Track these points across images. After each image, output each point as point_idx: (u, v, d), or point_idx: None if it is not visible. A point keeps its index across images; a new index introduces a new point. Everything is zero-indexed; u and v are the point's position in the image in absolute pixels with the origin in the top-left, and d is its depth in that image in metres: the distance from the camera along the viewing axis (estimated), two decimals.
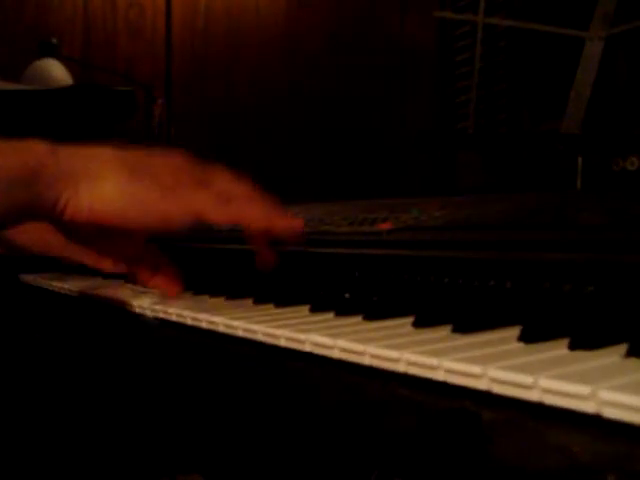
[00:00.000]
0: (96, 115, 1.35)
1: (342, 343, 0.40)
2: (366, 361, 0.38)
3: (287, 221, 0.57)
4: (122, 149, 0.56)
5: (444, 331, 0.42)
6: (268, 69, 1.84)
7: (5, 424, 0.80)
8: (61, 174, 0.52)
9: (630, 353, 0.33)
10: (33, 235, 0.69)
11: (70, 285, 0.80)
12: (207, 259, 0.87)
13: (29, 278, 0.91)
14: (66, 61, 1.54)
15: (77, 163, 0.53)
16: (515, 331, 0.40)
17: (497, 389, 0.31)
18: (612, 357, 0.33)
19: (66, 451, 0.80)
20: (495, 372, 0.31)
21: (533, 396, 0.30)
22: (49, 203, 0.52)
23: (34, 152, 0.52)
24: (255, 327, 0.48)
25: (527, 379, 0.30)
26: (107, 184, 0.53)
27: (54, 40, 1.52)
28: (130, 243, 0.64)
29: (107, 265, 0.66)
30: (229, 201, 0.56)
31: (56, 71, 1.49)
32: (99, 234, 0.59)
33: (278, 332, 0.45)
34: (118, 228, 0.55)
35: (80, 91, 1.38)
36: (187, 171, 0.57)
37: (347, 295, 0.60)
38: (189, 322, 0.56)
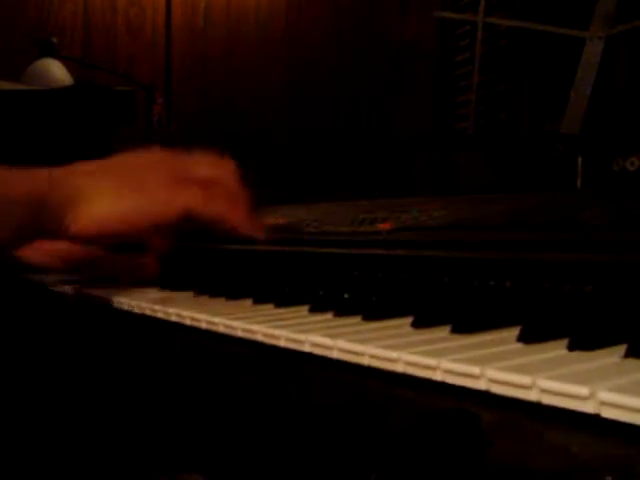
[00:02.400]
0: (96, 115, 1.35)
1: (341, 343, 0.40)
2: (365, 361, 0.38)
3: (255, 226, 0.64)
4: (109, 160, 0.64)
5: (443, 331, 0.42)
6: (268, 69, 1.84)
7: (5, 423, 0.80)
8: (62, 200, 0.59)
9: (629, 354, 0.33)
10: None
11: (69, 285, 0.80)
12: (207, 259, 0.87)
13: (34, 277, 0.90)
14: (66, 61, 1.54)
15: (74, 187, 0.60)
16: (514, 331, 0.39)
17: (496, 389, 0.31)
18: (611, 358, 0.33)
19: (66, 450, 0.80)
20: (494, 372, 0.31)
21: (532, 396, 0.30)
22: (54, 225, 0.60)
23: (37, 181, 0.59)
24: (255, 327, 0.48)
25: (526, 379, 0.30)
26: (102, 201, 0.60)
27: (54, 40, 1.52)
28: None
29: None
30: (214, 198, 0.62)
31: (56, 71, 1.49)
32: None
33: (277, 332, 0.45)
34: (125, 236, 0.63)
35: (80, 91, 1.38)
36: (171, 168, 0.63)
37: (347, 295, 0.60)
38: (188, 322, 0.56)
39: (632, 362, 0.32)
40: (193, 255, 0.87)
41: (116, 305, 0.67)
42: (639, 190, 0.62)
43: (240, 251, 0.73)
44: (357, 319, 0.48)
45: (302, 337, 0.43)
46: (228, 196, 0.63)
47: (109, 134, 1.41)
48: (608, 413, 0.27)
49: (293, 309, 0.55)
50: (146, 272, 0.75)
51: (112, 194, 0.61)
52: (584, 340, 0.35)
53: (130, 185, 0.61)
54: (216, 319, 0.52)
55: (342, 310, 0.50)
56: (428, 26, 1.26)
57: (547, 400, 0.29)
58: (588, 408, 0.28)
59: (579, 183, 0.83)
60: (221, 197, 0.63)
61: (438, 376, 0.34)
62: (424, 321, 0.44)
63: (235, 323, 0.50)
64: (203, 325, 0.54)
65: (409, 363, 0.36)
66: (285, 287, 0.67)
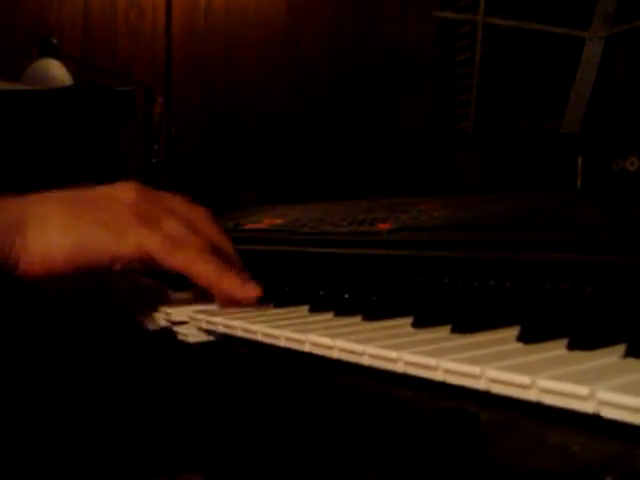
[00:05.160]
0: (96, 115, 1.35)
1: (341, 343, 0.40)
2: (365, 361, 0.38)
3: (234, 282, 0.54)
4: (69, 190, 0.54)
5: (443, 331, 0.42)
6: (268, 69, 1.84)
7: (6, 423, 0.80)
8: (9, 225, 0.50)
9: (629, 353, 0.33)
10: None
11: None
12: None
13: None
14: (66, 61, 1.54)
15: (23, 211, 0.51)
16: (514, 331, 0.39)
17: (496, 389, 0.31)
18: (611, 357, 0.33)
19: (66, 451, 0.80)
20: (494, 372, 0.31)
21: (532, 396, 0.30)
22: (1, 256, 0.50)
23: None
24: (254, 327, 0.48)
25: (525, 379, 0.30)
26: (53, 230, 0.51)
27: (54, 40, 1.52)
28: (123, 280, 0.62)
29: None
30: (180, 247, 0.53)
31: (56, 71, 1.49)
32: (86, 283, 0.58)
33: (277, 332, 0.45)
34: (71, 275, 0.52)
35: (80, 91, 1.38)
36: (138, 208, 0.54)
37: (347, 295, 0.60)
38: (188, 322, 0.56)
39: (632, 362, 0.32)
40: None
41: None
42: (639, 190, 0.62)
43: (240, 251, 0.73)
44: (357, 319, 0.48)
45: (302, 337, 0.43)
46: (201, 248, 0.54)
47: (108, 134, 1.40)
48: (608, 413, 0.27)
49: (293, 309, 0.55)
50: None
51: (66, 221, 0.51)
52: (584, 340, 0.35)
53: (86, 215, 0.52)
54: (216, 319, 0.52)
55: (342, 310, 0.50)
56: (428, 26, 1.26)
57: (547, 400, 0.29)
58: (588, 408, 0.28)
59: (579, 183, 0.83)
60: (190, 248, 0.54)
61: (438, 376, 0.34)
62: (424, 321, 0.44)
63: (235, 323, 0.50)
64: (203, 325, 0.54)
65: (409, 363, 0.36)
66: (285, 287, 0.67)
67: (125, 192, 0.55)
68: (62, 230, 0.51)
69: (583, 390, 0.28)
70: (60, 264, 0.51)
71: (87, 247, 0.51)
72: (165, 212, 0.55)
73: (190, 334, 0.55)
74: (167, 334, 0.58)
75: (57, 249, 0.51)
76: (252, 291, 0.54)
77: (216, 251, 0.56)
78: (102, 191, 0.55)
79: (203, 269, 0.54)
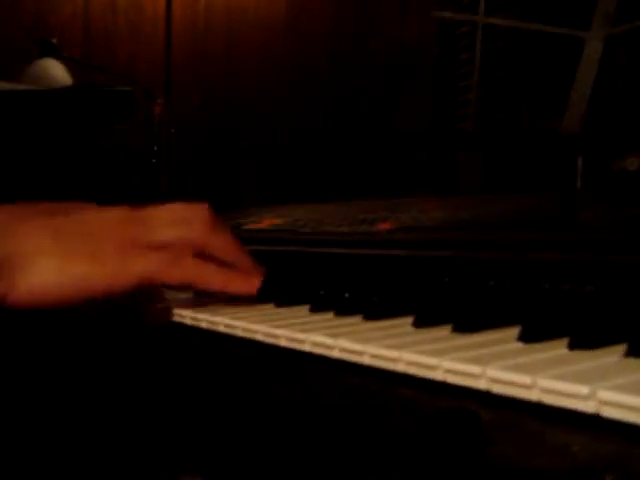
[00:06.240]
0: (96, 115, 1.35)
1: (342, 343, 0.40)
2: (365, 361, 0.38)
3: (241, 283, 0.56)
4: (56, 214, 0.54)
5: (444, 331, 0.42)
6: (268, 69, 1.84)
7: (5, 423, 0.80)
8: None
9: (629, 353, 0.33)
10: None
11: None
12: None
13: None
14: (66, 61, 1.54)
15: (10, 246, 0.51)
16: (515, 331, 0.40)
17: (496, 389, 0.31)
18: (611, 357, 0.33)
19: (67, 452, 0.80)
20: (494, 372, 0.31)
21: (532, 396, 0.30)
22: None
23: None
24: (255, 327, 0.48)
25: (526, 379, 0.30)
26: (42, 266, 0.51)
27: (54, 40, 1.52)
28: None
29: None
30: (176, 263, 0.53)
31: (56, 71, 1.49)
32: None
33: (278, 332, 0.45)
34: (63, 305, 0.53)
35: (80, 91, 1.38)
36: (127, 230, 0.54)
37: (347, 295, 0.60)
38: (189, 322, 0.56)
39: (632, 361, 0.32)
40: None
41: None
42: (639, 190, 0.62)
43: None
44: (358, 318, 0.48)
45: (303, 337, 0.43)
46: (199, 256, 0.55)
47: (108, 134, 1.41)
48: (608, 412, 0.27)
49: (293, 309, 0.55)
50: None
51: (57, 258, 0.51)
52: (584, 339, 0.35)
53: (79, 248, 0.52)
54: (217, 318, 0.52)
55: (343, 309, 0.50)
56: (428, 26, 1.26)
57: (547, 399, 0.29)
58: (588, 407, 0.28)
59: (579, 183, 0.83)
60: (188, 258, 0.54)
61: (439, 375, 0.34)
62: (425, 320, 0.44)
63: (235, 322, 0.50)
64: (203, 325, 0.54)
65: (410, 362, 0.36)
66: (285, 287, 0.67)
67: (114, 213, 0.55)
68: (54, 268, 0.51)
69: (584, 390, 0.28)
70: (52, 300, 0.52)
71: (80, 284, 0.52)
72: (152, 230, 0.55)
73: None
74: (172, 332, 0.58)
75: (48, 286, 0.51)
76: (254, 284, 0.56)
77: (214, 252, 0.56)
78: (91, 220, 0.55)
79: (207, 278, 0.55)
